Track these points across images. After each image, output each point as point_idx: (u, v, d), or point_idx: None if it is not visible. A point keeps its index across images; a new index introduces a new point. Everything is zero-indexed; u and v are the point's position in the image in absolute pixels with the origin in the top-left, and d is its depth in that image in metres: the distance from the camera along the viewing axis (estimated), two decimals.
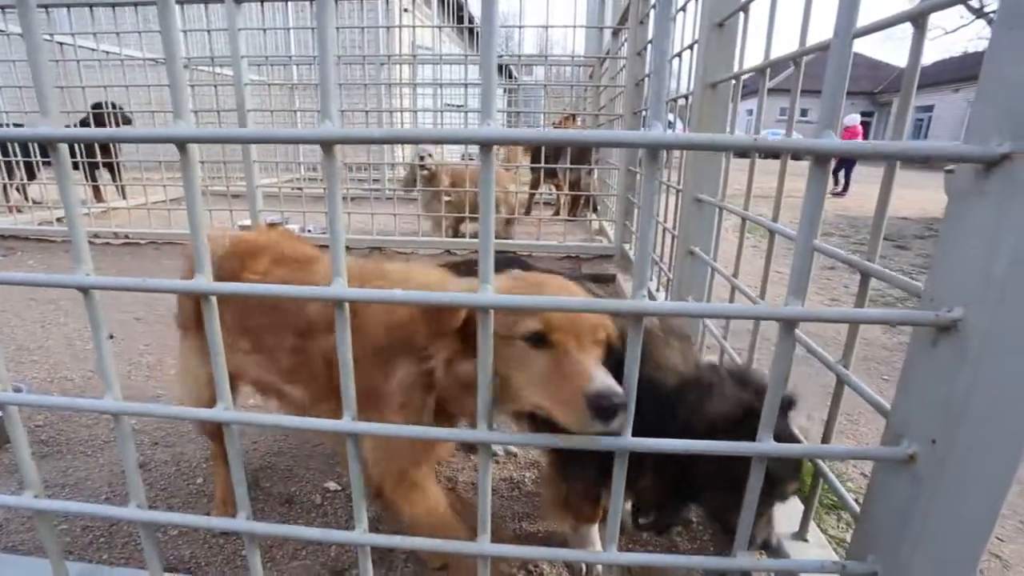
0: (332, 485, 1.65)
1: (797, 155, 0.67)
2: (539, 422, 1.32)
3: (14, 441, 0.86)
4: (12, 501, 0.89)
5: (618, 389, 0.75)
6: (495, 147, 0.64)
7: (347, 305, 0.73)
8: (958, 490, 0.68)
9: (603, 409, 0.74)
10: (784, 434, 1.00)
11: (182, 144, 0.67)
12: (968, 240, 0.66)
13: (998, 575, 1.45)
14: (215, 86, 4.68)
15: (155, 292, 0.73)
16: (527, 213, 5.75)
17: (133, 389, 2.22)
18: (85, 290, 0.75)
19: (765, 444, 0.75)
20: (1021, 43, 0.59)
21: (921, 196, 10.33)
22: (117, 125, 5.22)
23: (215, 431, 1.47)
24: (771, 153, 0.73)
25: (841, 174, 11.91)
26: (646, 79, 3.56)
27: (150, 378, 2.33)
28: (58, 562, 0.97)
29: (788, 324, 0.67)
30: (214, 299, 0.75)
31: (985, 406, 0.65)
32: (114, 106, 5.00)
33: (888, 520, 0.78)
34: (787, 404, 1.06)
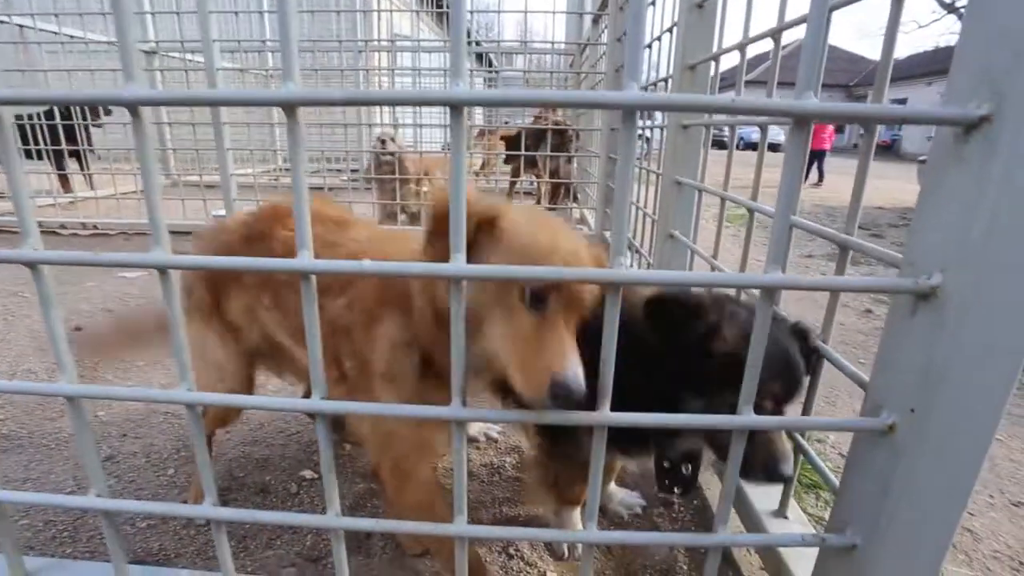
0: (308, 473, 1.61)
1: (776, 124, 0.65)
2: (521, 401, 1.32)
3: None
4: None
5: (582, 385, 0.73)
6: (466, 110, 0.62)
7: (313, 278, 0.69)
8: (936, 458, 0.68)
9: (561, 399, 0.73)
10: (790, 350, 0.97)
11: (133, 107, 0.63)
12: (947, 205, 0.65)
13: (969, 548, 1.48)
14: (185, 71, 4.54)
15: (106, 266, 0.69)
16: None
17: (101, 382, 2.15)
18: (33, 265, 0.71)
19: (746, 417, 0.74)
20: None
21: (894, 187, 10.54)
22: (87, 116, 5.05)
23: (216, 422, 1.44)
24: (748, 122, 0.72)
25: (814, 167, 12.14)
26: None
27: (119, 369, 2.26)
28: (15, 556, 0.93)
29: (768, 292, 0.66)
30: (172, 274, 0.71)
31: (963, 373, 0.65)
32: None
33: (867, 492, 0.78)
34: (803, 334, 1.03)
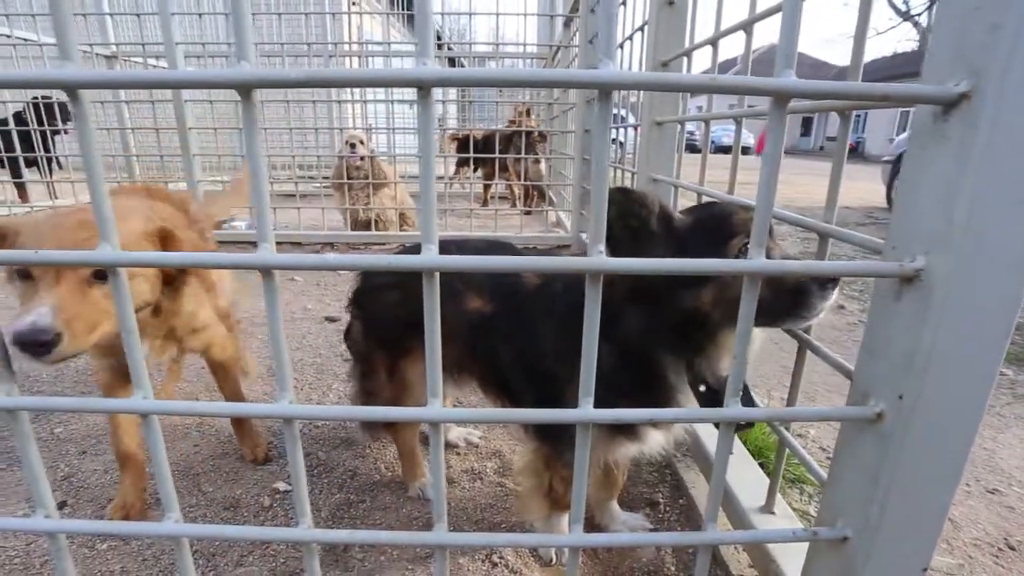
0: (282, 485, 1.55)
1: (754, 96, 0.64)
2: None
3: None
4: None
5: (42, 323, 0.76)
6: (433, 91, 0.59)
7: (275, 273, 0.65)
8: (926, 445, 0.67)
9: (27, 347, 0.75)
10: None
11: (72, 90, 0.58)
12: (929, 186, 0.64)
13: (950, 536, 1.49)
14: None
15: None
16: (484, 205, 5.70)
17: (57, 395, 2.04)
18: None
19: (732, 409, 0.71)
20: None
21: (860, 187, 10.83)
22: (44, 122, 4.84)
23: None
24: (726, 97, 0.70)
25: None
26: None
27: (79, 382, 2.15)
28: None
29: (752, 278, 0.64)
30: (122, 273, 0.66)
31: (950, 357, 0.63)
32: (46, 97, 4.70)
33: (856, 483, 0.77)
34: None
